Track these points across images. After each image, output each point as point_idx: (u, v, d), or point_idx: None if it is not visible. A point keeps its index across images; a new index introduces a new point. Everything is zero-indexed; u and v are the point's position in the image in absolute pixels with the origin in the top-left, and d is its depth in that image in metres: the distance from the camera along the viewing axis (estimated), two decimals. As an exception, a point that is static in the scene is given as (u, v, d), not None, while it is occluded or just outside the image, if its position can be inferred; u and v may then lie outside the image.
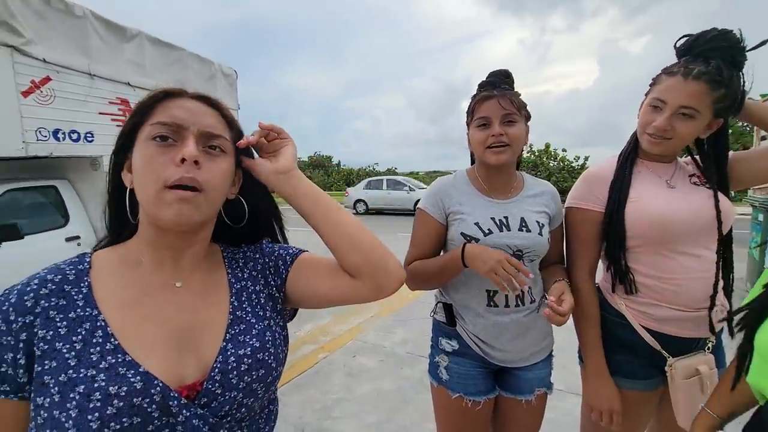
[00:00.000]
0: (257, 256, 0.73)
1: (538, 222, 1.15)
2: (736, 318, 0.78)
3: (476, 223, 1.13)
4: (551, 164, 18.40)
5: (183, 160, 0.56)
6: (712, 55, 0.99)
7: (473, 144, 1.17)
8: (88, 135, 3.89)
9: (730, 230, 1.10)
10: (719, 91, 0.98)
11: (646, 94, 1.11)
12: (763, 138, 6.14)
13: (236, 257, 0.72)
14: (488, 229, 1.12)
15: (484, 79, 1.19)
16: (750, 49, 1.00)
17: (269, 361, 0.63)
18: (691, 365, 1.07)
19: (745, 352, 0.75)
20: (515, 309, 1.15)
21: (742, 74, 1.01)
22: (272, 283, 0.71)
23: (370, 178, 15.27)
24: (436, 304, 1.27)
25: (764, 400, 0.73)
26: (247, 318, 0.65)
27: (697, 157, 1.17)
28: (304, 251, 0.75)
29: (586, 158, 18.08)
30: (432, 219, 1.18)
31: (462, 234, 1.13)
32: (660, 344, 1.10)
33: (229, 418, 0.58)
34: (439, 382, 1.23)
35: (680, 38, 1.07)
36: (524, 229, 1.13)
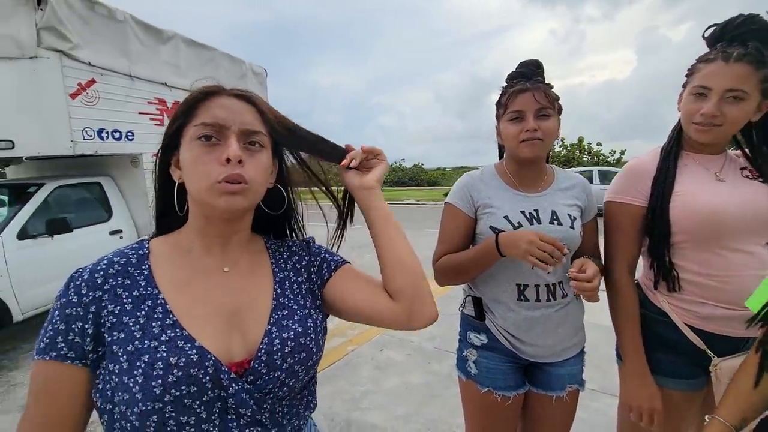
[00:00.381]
0: (303, 252, 0.77)
1: (569, 215, 1.12)
2: (763, 312, 0.73)
3: (506, 217, 1.12)
4: (584, 158, 17.78)
5: (228, 160, 0.60)
6: (746, 38, 0.96)
7: (506, 138, 1.14)
8: (129, 134, 4.09)
9: None
10: (764, 71, 0.94)
11: (684, 86, 1.07)
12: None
13: (280, 249, 0.76)
14: (518, 222, 1.10)
15: (514, 69, 1.16)
16: None
17: (310, 345, 0.67)
18: (735, 365, 1.02)
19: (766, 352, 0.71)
20: (546, 303, 1.13)
21: None
22: (315, 280, 0.75)
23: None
24: (465, 298, 1.26)
25: None
26: (290, 305, 0.69)
27: (747, 149, 1.09)
28: (348, 262, 0.79)
29: (623, 152, 17.39)
30: (461, 213, 1.17)
31: (491, 228, 1.12)
32: (706, 344, 1.05)
33: (272, 395, 0.62)
34: (468, 376, 1.22)
35: (708, 28, 1.03)
36: (555, 222, 1.11)
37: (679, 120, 1.11)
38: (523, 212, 1.12)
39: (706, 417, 0.81)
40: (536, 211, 1.12)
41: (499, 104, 1.16)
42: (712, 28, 1.03)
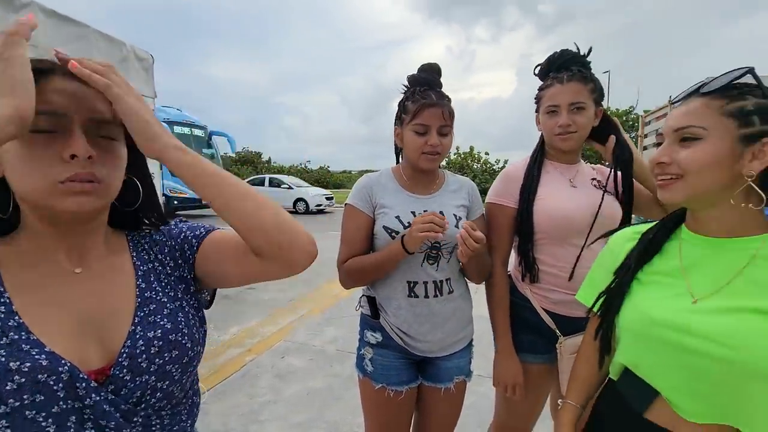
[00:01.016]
0: (164, 239, 0.70)
1: (455, 215, 1.23)
2: (598, 304, 0.86)
3: (397, 217, 1.19)
4: (475, 166, 19.56)
5: (73, 157, 0.51)
6: (567, 65, 1.22)
7: (407, 146, 1.20)
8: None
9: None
10: (590, 85, 1.20)
11: (537, 111, 1.29)
12: (645, 148, 7.15)
13: (142, 241, 0.69)
14: (408, 222, 1.18)
15: (417, 72, 1.22)
16: (586, 56, 1.24)
17: (183, 341, 0.61)
18: (576, 342, 1.22)
19: (608, 336, 0.84)
20: (435, 299, 1.21)
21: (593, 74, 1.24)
22: (182, 264, 0.69)
23: (254, 176, 15.05)
24: (361, 298, 1.31)
25: (618, 375, 0.81)
26: (157, 298, 0.63)
27: (605, 163, 1.34)
28: (213, 230, 0.72)
29: (506, 161, 19.51)
30: (361, 213, 1.22)
31: (384, 228, 1.19)
32: (555, 324, 1.25)
33: (143, 405, 0.56)
34: (364, 374, 1.27)
35: (536, 66, 1.30)
36: None
37: (542, 138, 1.32)
38: (413, 213, 1.20)
39: (559, 401, 0.93)
40: (425, 211, 1.19)
41: (404, 109, 1.21)
42: (539, 66, 1.29)
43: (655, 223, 0.85)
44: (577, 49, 1.24)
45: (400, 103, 1.24)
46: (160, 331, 0.59)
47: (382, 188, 1.24)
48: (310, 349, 3.16)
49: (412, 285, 1.20)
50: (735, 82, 0.69)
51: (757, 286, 0.66)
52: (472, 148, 19.98)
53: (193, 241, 0.70)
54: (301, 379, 2.70)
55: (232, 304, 4.30)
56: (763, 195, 0.68)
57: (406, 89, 1.24)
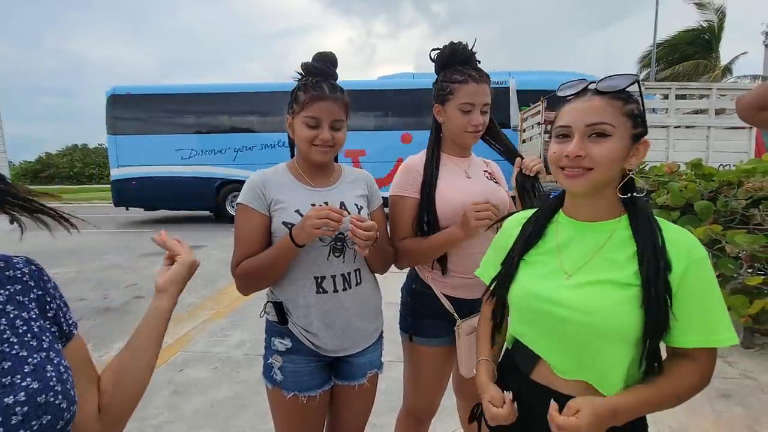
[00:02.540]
0: (28, 280, 0.57)
1: (356, 204, 1.23)
2: (492, 286, 0.96)
3: (297, 211, 1.14)
4: (381, 158, 19.97)
5: None
6: (469, 61, 1.28)
7: (298, 138, 1.17)
8: None
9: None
10: (489, 87, 1.29)
11: (441, 102, 1.30)
12: (524, 141, 8.03)
13: None
14: None
15: (311, 61, 1.18)
16: (471, 48, 1.29)
17: (57, 402, 0.49)
18: (472, 324, 1.32)
19: (500, 313, 0.94)
20: (344, 292, 1.19)
21: None
22: (53, 318, 0.57)
23: None
24: (266, 304, 1.23)
25: (512, 343, 0.93)
26: (13, 352, 0.49)
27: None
28: (75, 336, 0.63)
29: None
30: (255, 212, 1.15)
31: (284, 223, 1.14)
32: (454, 308, 1.33)
33: None
34: (274, 383, 1.20)
35: (433, 50, 1.32)
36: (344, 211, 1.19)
37: (437, 128, 1.36)
38: (313, 205, 1.15)
39: (479, 358, 0.99)
40: (326, 203, 1.16)
41: (296, 99, 1.16)
42: (437, 51, 1.30)
43: (538, 209, 0.94)
44: (464, 45, 1.29)
45: (291, 91, 1.19)
46: (22, 394, 0.46)
47: (275, 184, 1.18)
48: (213, 358, 2.91)
49: (319, 280, 1.16)
50: (626, 86, 0.77)
51: (610, 263, 0.79)
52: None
53: (66, 328, 0.61)
54: (204, 392, 2.47)
55: (116, 317, 3.78)
56: (630, 185, 0.81)
57: (300, 77, 1.19)
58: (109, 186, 9.79)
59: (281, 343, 1.19)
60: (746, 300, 2.61)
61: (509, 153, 1.40)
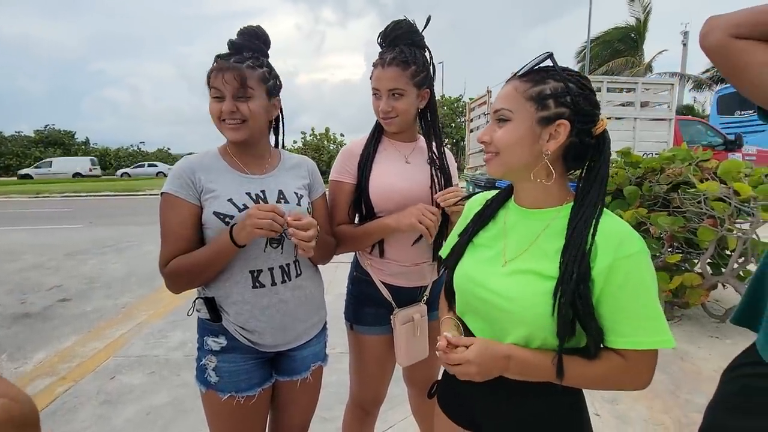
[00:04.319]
0: None
1: (296, 193, 1.15)
2: (443, 263, 0.97)
3: (230, 200, 1.05)
4: (331, 147, 19.69)
5: None
6: (397, 42, 1.21)
7: (211, 117, 1.08)
8: None
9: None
10: (410, 69, 1.19)
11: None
12: (471, 131, 8.24)
13: None
14: (243, 204, 1.06)
15: (235, 37, 1.09)
16: (423, 29, 1.24)
17: None
18: (408, 314, 1.31)
19: (451, 288, 0.94)
20: (283, 285, 1.11)
21: (427, 50, 1.25)
22: None
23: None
24: (195, 301, 1.13)
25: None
26: None
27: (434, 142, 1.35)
28: None
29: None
30: (184, 202, 1.04)
31: (215, 213, 1.04)
32: (392, 296, 1.31)
33: None
34: (208, 386, 1.10)
35: (379, 35, 1.26)
36: (283, 200, 1.12)
37: None
38: (249, 194, 1.08)
39: (442, 318, 0.96)
40: (263, 192, 1.10)
41: (207, 80, 1.07)
42: (378, 36, 1.24)
43: (496, 193, 0.94)
44: (412, 22, 1.22)
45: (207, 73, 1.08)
46: None
47: (206, 170, 1.07)
48: (149, 362, 2.71)
49: (256, 274, 1.07)
50: (541, 66, 0.76)
51: (541, 252, 0.78)
52: (327, 129, 20.03)
53: None
54: (139, 399, 2.29)
55: (35, 323, 3.41)
56: (553, 171, 0.77)
57: (218, 54, 1.08)
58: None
59: (215, 342, 1.09)
60: (667, 276, 2.85)
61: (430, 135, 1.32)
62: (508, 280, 0.79)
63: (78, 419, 2.12)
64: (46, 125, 38.41)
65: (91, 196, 15.44)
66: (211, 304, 1.08)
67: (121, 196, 15.19)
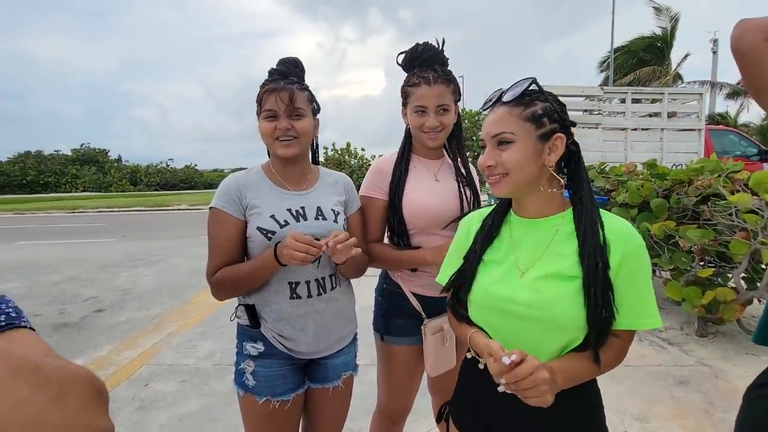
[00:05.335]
0: None
1: (333, 210, 1.21)
2: (452, 285, 0.97)
3: (272, 216, 1.12)
4: (352, 162, 19.95)
5: None
6: (430, 63, 1.28)
7: (263, 135, 1.16)
8: None
9: None
10: (452, 86, 1.28)
11: (405, 105, 1.33)
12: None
13: None
14: (284, 221, 1.13)
15: (275, 66, 1.19)
16: (441, 47, 1.30)
17: None
18: (438, 324, 1.33)
19: (463, 311, 0.94)
20: (318, 297, 1.17)
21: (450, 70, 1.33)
22: None
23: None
24: (237, 307, 1.20)
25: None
26: None
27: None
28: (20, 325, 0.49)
29: (380, 156, 20.38)
30: (230, 217, 1.12)
31: (258, 228, 1.11)
32: (422, 306, 1.34)
33: None
34: (246, 389, 1.16)
35: (399, 54, 1.34)
36: (320, 217, 1.18)
37: (408, 130, 1.37)
38: (289, 210, 1.14)
39: (469, 333, 0.91)
40: (302, 208, 1.16)
41: (257, 101, 1.17)
42: (403, 54, 1.32)
43: (492, 209, 0.97)
44: (438, 43, 1.30)
45: (257, 97, 1.18)
46: None
47: (251, 187, 1.15)
48: (180, 370, 2.81)
49: (293, 286, 1.14)
50: (526, 90, 0.83)
51: (557, 255, 0.83)
52: (348, 144, 20.30)
53: None
54: (171, 406, 2.37)
55: (72, 332, 3.58)
56: (560, 179, 0.85)
57: (265, 80, 1.19)
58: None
59: (253, 347, 1.15)
60: (699, 291, 2.77)
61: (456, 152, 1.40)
62: (533, 289, 0.81)
63: (115, 424, 2.21)
64: (82, 144, 40.59)
65: (123, 211, 16.16)
66: (251, 311, 1.14)
67: (151, 212, 15.84)
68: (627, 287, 0.79)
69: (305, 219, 1.15)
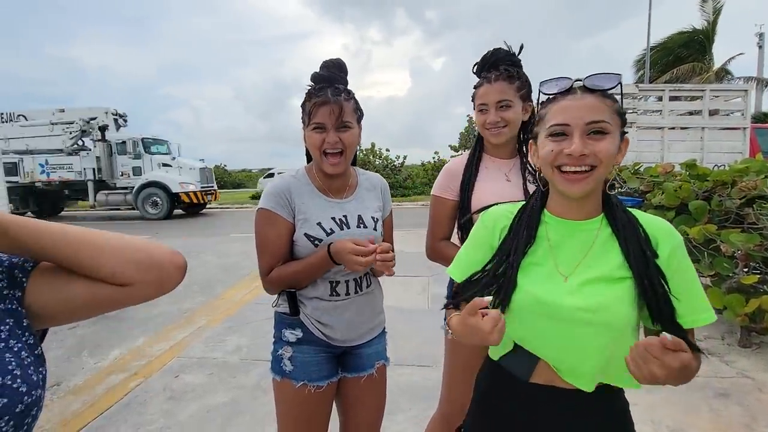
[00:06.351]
0: None
1: (373, 218, 1.27)
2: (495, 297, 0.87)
3: (319, 224, 1.18)
4: (377, 162, 20.01)
5: None
6: (498, 64, 1.32)
7: (310, 147, 1.19)
8: None
9: None
10: (516, 83, 1.29)
11: (474, 107, 1.38)
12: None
13: None
14: (330, 229, 1.19)
15: (318, 70, 1.19)
16: (518, 54, 1.35)
17: (15, 385, 0.51)
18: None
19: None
20: (355, 295, 1.24)
21: (523, 70, 1.35)
22: (8, 295, 0.56)
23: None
24: (279, 296, 1.24)
25: (501, 354, 0.89)
26: None
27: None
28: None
29: (405, 157, 20.30)
30: (281, 219, 1.17)
31: (306, 235, 1.17)
32: None
33: None
34: (283, 375, 1.21)
35: (474, 65, 1.38)
36: (362, 226, 1.24)
37: (479, 132, 1.40)
38: (333, 218, 1.20)
39: (490, 311, 0.83)
40: (345, 216, 1.22)
41: (304, 110, 1.18)
42: (476, 64, 1.37)
43: (522, 207, 0.90)
44: (508, 47, 1.35)
45: (302, 104, 1.20)
46: None
47: (298, 192, 1.20)
48: (209, 363, 2.90)
49: (334, 285, 1.21)
50: (604, 88, 0.78)
51: (601, 259, 0.80)
52: (373, 145, 20.37)
53: (26, 264, 0.58)
54: (200, 397, 2.46)
55: (110, 323, 3.75)
56: (620, 182, 0.82)
57: (310, 87, 1.19)
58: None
59: (292, 334, 1.21)
60: (742, 299, 2.61)
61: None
62: (582, 294, 0.78)
63: (148, 412, 2.31)
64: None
65: (158, 208, 16.80)
66: (292, 298, 1.19)
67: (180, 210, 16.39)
68: (679, 280, 0.77)
69: (348, 227, 1.21)
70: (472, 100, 1.39)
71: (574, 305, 0.78)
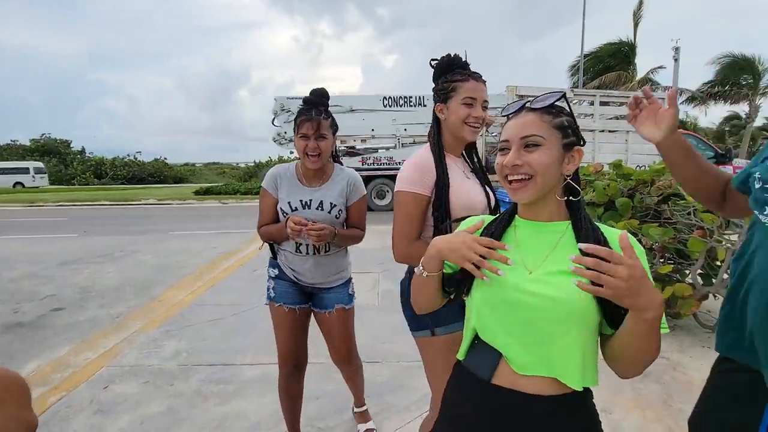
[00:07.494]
0: None
1: (332, 203, 1.68)
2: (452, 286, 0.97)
3: (288, 202, 1.67)
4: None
5: None
6: (466, 67, 1.39)
7: (297, 150, 1.66)
8: None
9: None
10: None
11: (445, 101, 1.36)
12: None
13: None
14: (294, 207, 1.67)
15: (309, 95, 1.69)
16: (464, 59, 1.41)
17: None
18: None
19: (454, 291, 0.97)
20: (314, 255, 1.71)
21: None
22: None
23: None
24: (263, 244, 1.83)
25: (465, 352, 0.94)
26: None
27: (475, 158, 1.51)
28: None
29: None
30: (270, 196, 1.72)
31: (280, 209, 1.69)
32: None
33: None
34: (270, 299, 1.79)
35: (432, 60, 1.43)
36: (320, 208, 1.67)
37: (437, 127, 1.40)
38: (301, 200, 1.67)
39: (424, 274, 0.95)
40: (310, 200, 1.68)
41: (294, 123, 1.65)
42: (437, 61, 1.40)
43: (497, 216, 0.98)
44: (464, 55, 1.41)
45: (294, 119, 1.67)
46: None
47: (284, 178, 1.72)
48: (143, 371, 2.69)
49: (298, 245, 1.71)
50: (554, 102, 0.87)
51: (563, 257, 0.83)
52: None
53: None
54: (132, 408, 2.27)
55: (28, 332, 3.39)
56: (578, 188, 0.90)
57: (301, 107, 1.66)
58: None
59: (272, 271, 1.79)
60: (659, 287, 2.89)
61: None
62: (544, 282, 0.82)
63: (71, 429, 2.10)
64: (42, 134, 38.38)
65: (86, 205, 15.37)
66: (272, 248, 1.80)
67: (116, 206, 15.14)
68: None
69: (309, 208, 1.67)
70: (447, 92, 1.36)
71: (535, 291, 0.82)
